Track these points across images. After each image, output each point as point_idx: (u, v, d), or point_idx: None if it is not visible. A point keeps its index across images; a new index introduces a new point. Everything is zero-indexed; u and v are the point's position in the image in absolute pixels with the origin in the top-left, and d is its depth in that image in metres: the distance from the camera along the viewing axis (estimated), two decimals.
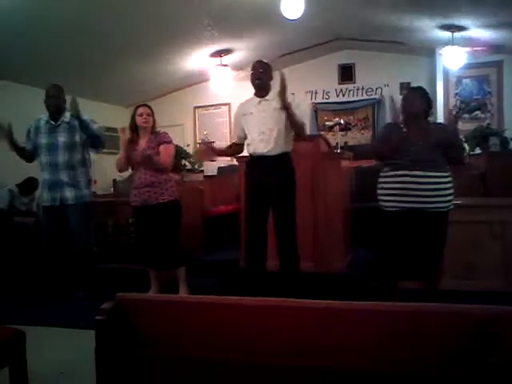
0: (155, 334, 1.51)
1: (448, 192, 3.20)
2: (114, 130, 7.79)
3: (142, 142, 3.94)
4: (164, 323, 1.51)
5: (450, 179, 3.22)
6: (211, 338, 1.46)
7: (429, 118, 3.40)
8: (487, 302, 1.36)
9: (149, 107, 4.02)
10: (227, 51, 7.50)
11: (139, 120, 3.92)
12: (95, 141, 4.27)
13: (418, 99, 3.27)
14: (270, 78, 3.66)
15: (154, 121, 4.01)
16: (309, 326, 1.39)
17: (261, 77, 3.61)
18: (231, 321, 1.45)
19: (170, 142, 4.01)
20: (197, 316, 1.50)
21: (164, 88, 8.57)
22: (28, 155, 4.24)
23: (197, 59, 7.53)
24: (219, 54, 7.51)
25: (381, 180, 3.38)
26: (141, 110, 3.96)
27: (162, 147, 3.91)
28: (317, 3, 5.69)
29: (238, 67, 7.95)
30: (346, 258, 4.45)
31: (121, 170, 4.12)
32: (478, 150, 5.94)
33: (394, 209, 3.26)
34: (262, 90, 3.63)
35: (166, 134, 4.03)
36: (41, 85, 6.52)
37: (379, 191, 3.38)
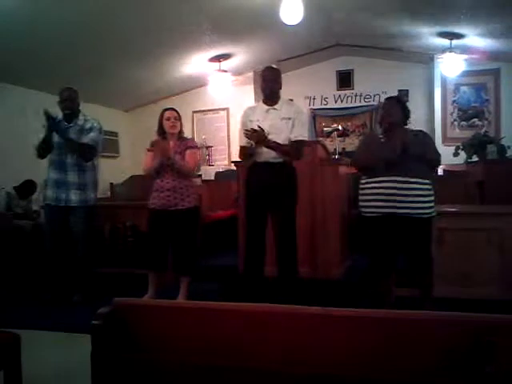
0: (151, 339, 1.50)
1: (427, 199, 3.24)
2: (113, 133, 7.86)
3: (170, 147, 3.89)
4: (160, 328, 1.51)
5: (429, 186, 3.27)
6: (208, 344, 1.46)
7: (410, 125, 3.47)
8: (484, 310, 1.37)
9: (176, 111, 3.97)
10: (226, 56, 7.52)
11: (167, 124, 3.89)
12: (85, 152, 4.16)
13: (395, 108, 3.33)
14: (280, 86, 3.68)
15: (181, 125, 4.00)
16: (306, 332, 1.39)
17: (271, 86, 3.62)
18: (228, 326, 1.45)
19: (195, 148, 4.00)
20: (194, 321, 1.49)
21: (162, 92, 8.57)
22: (46, 149, 4.15)
23: (196, 64, 7.54)
24: (218, 58, 7.52)
25: (360, 186, 3.44)
26: (168, 113, 3.91)
27: (188, 152, 3.89)
28: (316, 9, 5.71)
29: (237, 72, 7.98)
30: (344, 264, 4.45)
31: (150, 174, 3.97)
32: (475, 158, 5.95)
33: (373, 214, 3.30)
34: (271, 98, 3.64)
35: (193, 139, 4.02)
36: (40, 87, 6.56)
37: (360, 197, 3.45)
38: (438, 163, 3.45)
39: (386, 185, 3.22)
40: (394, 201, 3.19)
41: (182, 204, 3.85)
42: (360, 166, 3.56)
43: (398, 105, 3.37)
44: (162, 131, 3.93)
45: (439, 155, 3.38)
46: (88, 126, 4.19)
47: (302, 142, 3.60)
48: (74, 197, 4.13)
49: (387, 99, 3.52)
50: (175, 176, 3.83)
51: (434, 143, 3.53)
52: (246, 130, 3.50)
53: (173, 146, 3.89)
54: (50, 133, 4.04)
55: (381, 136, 3.42)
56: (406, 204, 3.18)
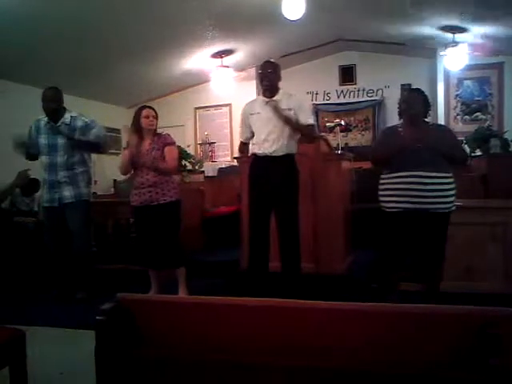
0: (155, 334, 1.51)
1: (450, 193, 3.20)
2: (115, 130, 7.85)
3: (145, 143, 3.93)
4: (164, 324, 1.51)
5: (451, 180, 3.22)
6: (212, 339, 1.46)
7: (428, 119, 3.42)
8: (488, 303, 1.36)
9: (153, 109, 4.00)
10: (228, 52, 7.51)
11: (145, 122, 3.90)
12: (93, 148, 4.27)
13: (417, 101, 3.29)
14: (279, 79, 3.68)
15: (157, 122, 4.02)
16: (309, 327, 1.39)
17: (269, 78, 3.62)
18: (232, 321, 1.45)
19: (173, 144, 4.01)
20: (197, 317, 1.49)
21: (165, 88, 8.57)
22: (31, 155, 4.26)
23: (198, 60, 7.53)
24: (220, 54, 7.51)
25: (382, 181, 3.38)
26: (146, 112, 3.93)
27: (166, 150, 3.90)
28: (318, 4, 5.69)
29: (239, 68, 7.97)
30: (347, 259, 4.45)
31: (125, 173, 4.10)
32: (478, 152, 5.94)
33: (395, 209, 3.26)
34: (270, 90, 3.64)
35: (169, 135, 4.02)
36: (41, 85, 6.53)
37: (381, 192, 3.38)
38: (465, 161, 3.39)
39: (408, 180, 3.17)
40: (417, 196, 3.15)
41: (164, 199, 3.88)
42: (377, 159, 3.47)
43: (420, 97, 3.31)
44: (138, 128, 3.93)
45: (466, 153, 3.31)
46: (80, 123, 4.19)
47: (312, 125, 3.62)
48: (68, 193, 4.17)
49: (409, 91, 3.47)
50: (156, 172, 3.86)
51: (457, 139, 3.46)
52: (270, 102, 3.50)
53: (150, 143, 3.92)
54: (26, 147, 4.14)
55: (400, 129, 3.35)
56: (427, 199, 3.14)
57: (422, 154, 3.13)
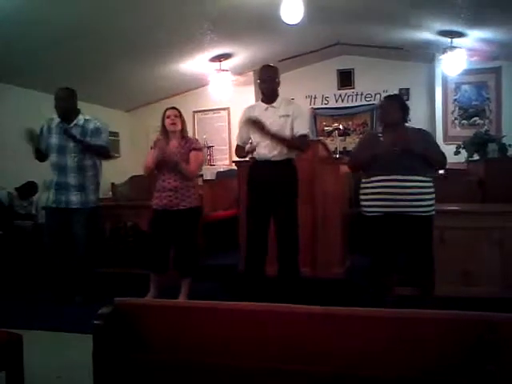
0: (153, 338, 1.51)
1: (428, 197, 3.24)
2: (114, 133, 7.85)
3: (172, 146, 3.91)
4: (162, 328, 1.51)
5: (430, 184, 3.27)
6: (209, 343, 1.46)
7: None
8: (485, 308, 1.36)
9: (177, 110, 3.98)
10: (227, 56, 7.51)
11: (167, 122, 3.90)
12: (101, 153, 4.27)
13: (393, 107, 3.33)
14: (278, 84, 3.68)
15: (184, 123, 3.99)
16: (307, 331, 1.39)
17: (269, 83, 3.62)
18: (229, 326, 1.45)
19: (200, 150, 4.01)
20: (195, 321, 1.49)
21: (163, 92, 8.57)
22: (42, 155, 4.24)
23: (196, 64, 7.54)
24: (219, 58, 7.52)
25: (362, 186, 3.44)
26: (168, 112, 3.93)
27: (192, 154, 3.89)
28: (316, 8, 5.70)
29: (238, 72, 7.97)
30: (344, 263, 4.45)
31: (148, 173, 4.04)
32: (476, 157, 5.95)
33: (375, 213, 3.30)
34: (269, 96, 3.64)
35: (197, 140, 4.03)
36: (41, 88, 6.56)
37: (361, 197, 3.45)
38: (443, 164, 3.42)
39: (387, 184, 3.22)
40: (395, 200, 3.19)
41: (184, 204, 3.85)
42: (354, 164, 3.56)
43: (396, 103, 3.37)
44: (164, 130, 3.95)
45: (444, 156, 3.36)
46: (92, 126, 4.17)
47: (304, 136, 3.61)
48: (75, 198, 4.13)
49: (385, 98, 3.54)
50: (176, 176, 3.84)
51: (436, 143, 3.52)
52: (248, 120, 3.52)
53: (176, 146, 3.90)
54: (37, 143, 4.11)
55: (380, 135, 3.42)
56: (406, 202, 3.18)
57: (401, 158, 3.17)
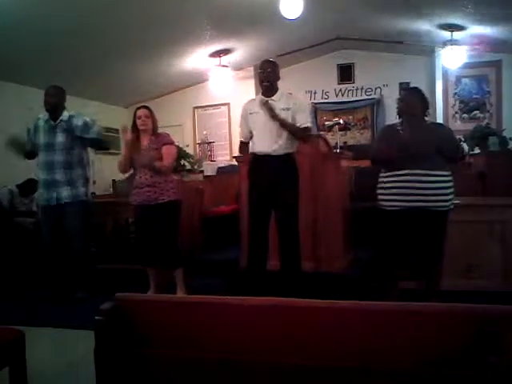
0: (154, 334, 1.51)
1: (449, 191, 3.21)
2: (114, 130, 7.84)
3: (143, 143, 3.95)
4: (164, 323, 1.51)
5: (450, 178, 3.23)
6: (211, 338, 1.46)
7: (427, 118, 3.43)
8: (487, 301, 1.36)
9: (148, 108, 4.00)
10: (226, 51, 7.50)
11: (138, 123, 3.93)
12: (96, 144, 4.31)
13: (415, 100, 3.30)
14: (278, 78, 3.69)
15: (155, 121, 4.00)
16: (309, 325, 1.39)
17: (269, 77, 3.62)
18: (231, 321, 1.45)
19: (171, 143, 4.02)
20: (197, 316, 1.49)
21: (163, 88, 8.56)
22: (28, 154, 4.29)
23: (196, 59, 7.52)
24: (218, 53, 7.50)
25: (381, 180, 3.39)
26: (139, 112, 3.96)
27: (164, 148, 3.92)
28: (316, 3, 5.68)
29: (238, 67, 7.96)
30: (346, 257, 4.45)
31: (123, 171, 4.14)
32: (477, 150, 5.94)
33: (395, 208, 3.26)
34: (269, 90, 3.64)
35: (168, 134, 4.03)
36: (40, 85, 6.51)
37: (379, 191, 3.39)
38: (463, 157, 3.40)
39: (408, 178, 3.18)
40: (416, 194, 3.16)
41: (162, 198, 3.89)
42: (377, 158, 3.48)
43: (417, 96, 3.33)
44: (135, 129, 3.97)
45: (463, 149, 3.33)
46: (78, 122, 4.20)
47: (307, 128, 3.62)
48: (65, 193, 4.17)
49: (406, 90, 3.48)
50: (153, 172, 3.87)
51: (454, 137, 3.47)
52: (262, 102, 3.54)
53: (147, 143, 3.93)
54: (23, 148, 4.20)
55: (399, 128, 3.36)
56: (428, 197, 3.15)
57: (421, 153, 3.14)
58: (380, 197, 3.39)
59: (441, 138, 3.20)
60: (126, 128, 3.95)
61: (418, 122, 3.27)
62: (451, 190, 3.23)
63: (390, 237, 3.34)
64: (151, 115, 3.98)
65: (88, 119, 4.27)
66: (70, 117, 4.20)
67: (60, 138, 4.14)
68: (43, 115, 4.25)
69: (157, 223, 3.89)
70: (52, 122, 4.18)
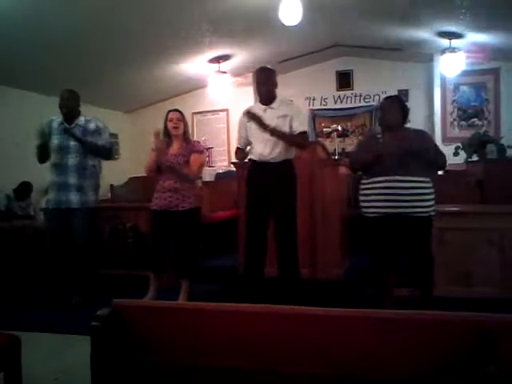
0: (152, 340, 1.50)
1: (428, 197, 3.24)
2: (113, 135, 7.84)
3: (174, 148, 3.92)
4: (161, 330, 1.50)
5: (430, 185, 3.27)
6: (208, 345, 1.45)
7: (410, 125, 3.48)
8: (485, 309, 1.36)
9: (179, 112, 3.99)
10: (226, 57, 7.51)
11: (169, 125, 3.92)
12: (102, 153, 4.27)
13: (393, 108, 3.33)
14: (275, 85, 3.68)
15: (186, 125, 4.01)
16: (306, 333, 1.38)
17: (265, 85, 3.62)
18: (229, 327, 1.45)
19: (201, 152, 4.02)
20: (194, 322, 1.49)
21: (162, 94, 8.57)
22: (45, 154, 4.21)
23: (195, 65, 7.54)
24: (218, 60, 7.52)
25: (361, 187, 3.44)
26: (171, 115, 3.94)
27: (192, 157, 3.90)
28: (315, 10, 5.70)
29: (237, 73, 7.97)
30: (344, 264, 4.44)
31: (149, 174, 4.07)
32: (475, 158, 5.95)
33: (375, 214, 3.29)
34: (266, 98, 3.64)
35: (198, 142, 4.04)
36: (41, 90, 6.56)
37: (361, 197, 3.45)
38: (443, 165, 3.42)
39: (387, 184, 3.21)
40: (395, 200, 3.19)
41: (183, 205, 3.85)
42: (356, 166, 3.56)
43: (396, 104, 3.38)
44: (166, 132, 3.95)
45: (444, 157, 3.36)
46: (92, 126, 4.20)
47: (304, 132, 3.62)
48: (74, 198, 4.12)
49: (385, 99, 3.53)
50: (177, 178, 3.84)
51: (435, 144, 3.52)
52: (248, 114, 3.53)
53: (178, 148, 3.91)
54: (43, 140, 4.10)
55: (379, 136, 3.42)
56: (406, 203, 3.17)
57: (401, 159, 3.17)
58: (361, 203, 3.44)
59: (420, 144, 3.22)
60: (159, 132, 3.92)
61: (397, 128, 3.30)
62: (431, 196, 3.25)
63: (376, 243, 3.37)
64: (183, 119, 3.97)
65: (101, 125, 4.26)
66: (86, 121, 4.21)
67: (74, 141, 4.11)
68: (56, 117, 4.23)
69: (177, 230, 3.87)
70: (67, 125, 4.16)
